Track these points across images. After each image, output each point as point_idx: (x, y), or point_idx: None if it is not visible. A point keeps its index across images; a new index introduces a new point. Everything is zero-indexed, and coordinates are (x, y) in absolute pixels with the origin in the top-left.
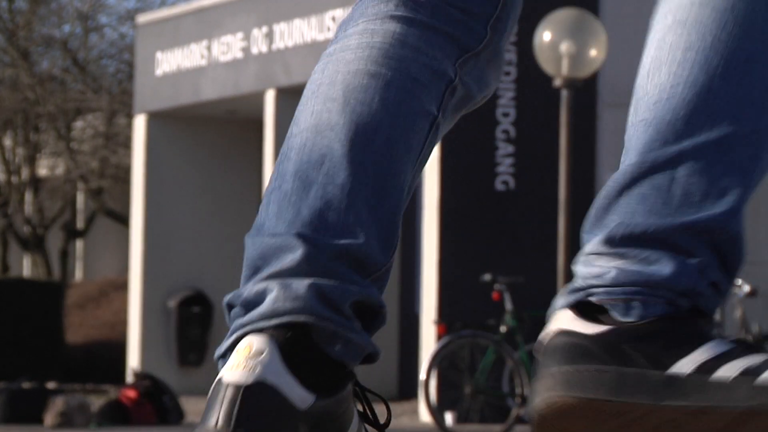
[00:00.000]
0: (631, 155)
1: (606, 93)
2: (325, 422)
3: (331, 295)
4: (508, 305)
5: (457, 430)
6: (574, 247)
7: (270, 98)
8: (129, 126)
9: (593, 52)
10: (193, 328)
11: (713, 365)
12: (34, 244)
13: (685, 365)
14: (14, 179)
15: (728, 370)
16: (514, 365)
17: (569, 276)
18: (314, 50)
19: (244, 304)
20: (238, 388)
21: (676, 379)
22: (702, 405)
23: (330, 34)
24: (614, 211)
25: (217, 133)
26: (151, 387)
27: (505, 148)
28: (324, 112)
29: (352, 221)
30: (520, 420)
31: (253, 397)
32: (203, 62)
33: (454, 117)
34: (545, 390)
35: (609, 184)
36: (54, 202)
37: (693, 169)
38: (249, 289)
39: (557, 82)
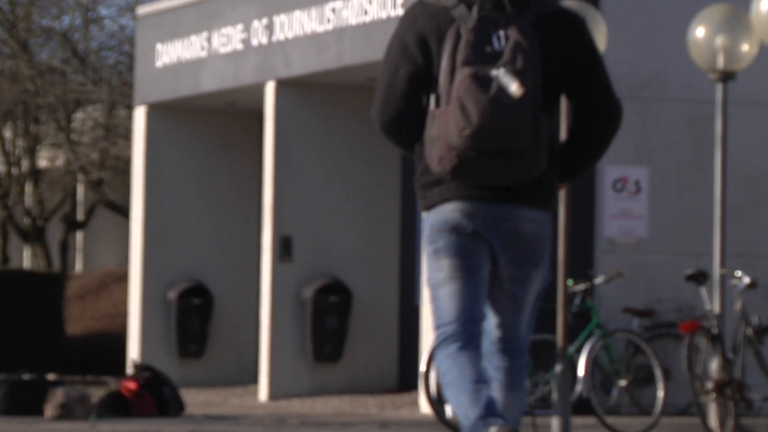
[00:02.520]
0: None
1: None
2: None
3: None
4: None
5: (457, 422)
6: (573, 242)
7: (270, 90)
8: (129, 118)
9: None
10: (193, 319)
11: None
12: (34, 236)
13: None
14: (14, 171)
15: None
16: None
17: (569, 268)
18: (314, 42)
19: None
20: None
21: None
22: None
23: (330, 26)
24: None
25: (218, 125)
26: (151, 378)
27: None
28: None
29: None
30: None
31: None
32: (203, 54)
33: None
34: None
35: None
36: (54, 194)
37: None
38: None
39: None
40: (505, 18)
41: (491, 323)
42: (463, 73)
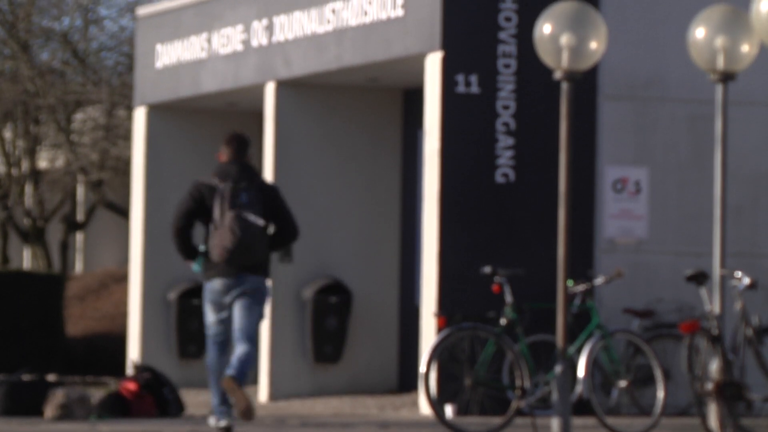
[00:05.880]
0: None
1: (606, 85)
2: None
3: None
4: (508, 297)
5: (457, 423)
6: (574, 240)
7: (270, 90)
8: (129, 118)
9: (593, 45)
10: (193, 320)
11: None
12: (35, 237)
13: None
14: (14, 171)
15: None
16: (514, 357)
17: (569, 268)
18: (314, 42)
19: None
20: None
21: None
22: None
23: (330, 27)
24: None
25: (217, 126)
26: (151, 379)
27: (505, 141)
28: None
29: None
30: (519, 412)
31: None
32: (203, 54)
33: None
34: None
35: None
36: (54, 195)
37: None
38: None
39: (557, 75)
40: (245, 186)
41: (237, 329)
42: (230, 214)
